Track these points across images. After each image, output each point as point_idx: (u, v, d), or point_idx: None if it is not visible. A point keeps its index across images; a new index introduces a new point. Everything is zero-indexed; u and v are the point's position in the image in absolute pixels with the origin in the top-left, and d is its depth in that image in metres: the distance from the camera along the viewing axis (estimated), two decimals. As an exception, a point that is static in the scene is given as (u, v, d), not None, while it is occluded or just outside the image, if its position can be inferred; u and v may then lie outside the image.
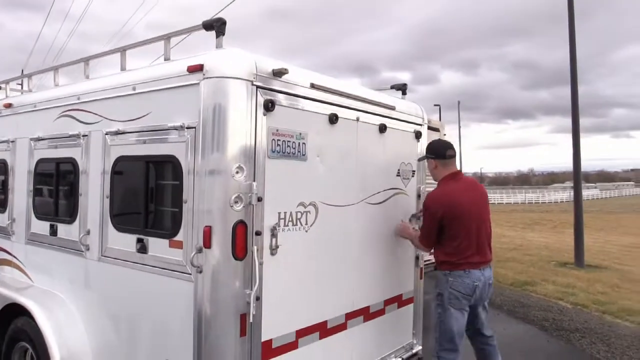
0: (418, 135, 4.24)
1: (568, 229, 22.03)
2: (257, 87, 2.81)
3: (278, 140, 2.90)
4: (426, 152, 4.02)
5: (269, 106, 2.78)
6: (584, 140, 12.74)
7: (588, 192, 64.03)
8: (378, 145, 3.82)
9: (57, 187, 3.94)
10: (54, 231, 3.87)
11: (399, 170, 4.05)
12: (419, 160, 4.20)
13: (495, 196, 62.78)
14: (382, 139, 3.83)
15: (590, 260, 12.45)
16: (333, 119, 3.28)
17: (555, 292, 9.06)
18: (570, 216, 13.12)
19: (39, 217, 4.06)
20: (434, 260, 4.09)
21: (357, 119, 3.56)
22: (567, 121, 12.71)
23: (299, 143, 3.05)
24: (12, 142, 4.41)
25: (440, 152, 3.92)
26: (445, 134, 9.71)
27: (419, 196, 4.32)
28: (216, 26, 2.91)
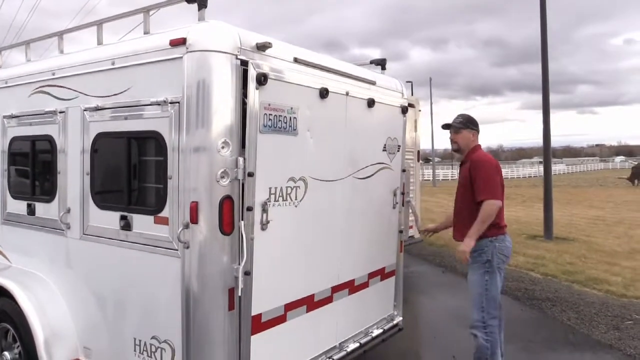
0: (404, 110, 4.25)
1: (537, 203, 22.60)
2: (242, 60, 2.78)
3: (270, 115, 2.88)
4: (469, 124, 4.18)
5: (262, 80, 2.75)
6: (551, 116, 12.97)
7: (555, 167, 65.60)
8: (366, 119, 3.82)
9: (33, 166, 3.85)
10: (31, 210, 3.80)
11: (385, 145, 4.08)
12: (458, 129, 4.19)
13: (466, 172, 63.63)
14: (370, 114, 3.84)
15: (558, 232, 12.83)
16: (324, 93, 3.27)
17: (526, 264, 9.33)
18: (539, 191, 13.48)
19: (15, 197, 3.98)
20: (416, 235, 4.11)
21: (347, 94, 3.55)
22: (534, 98, 13.08)
23: (290, 118, 3.04)
24: (-18, 120, 4.27)
25: (479, 128, 4.26)
26: (420, 110, 9.79)
27: (403, 171, 4.37)
28: (198, -1, 2.86)
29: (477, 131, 4.21)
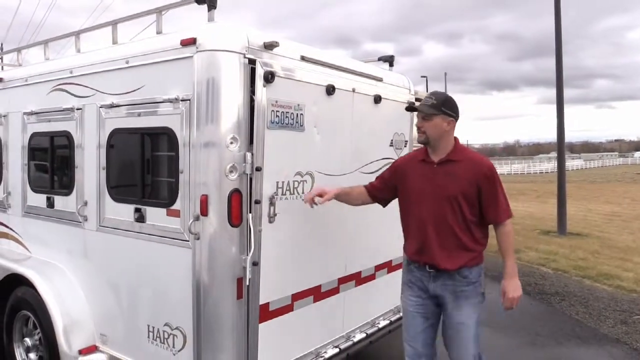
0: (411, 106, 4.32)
1: (552, 198, 22.42)
2: (250, 59, 2.89)
3: (277, 111, 2.99)
4: (444, 108, 3.08)
5: (269, 78, 2.86)
6: (567, 111, 12.96)
7: (572, 163, 64.90)
8: (372, 115, 3.91)
9: (52, 160, 4.01)
10: (50, 203, 3.96)
11: (392, 140, 4.16)
12: (429, 114, 3.07)
13: (481, 167, 63.18)
14: (376, 110, 3.92)
15: (572, 228, 12.78)
16: (330, 90, 3.37)
17: (537, 259, 9.35)
18: (555, 186, 13.39)
19: (35, 190, 4.14)
20: None
21: (353, 90, 3.65)
22: (551, 92, 12.90)
23: (297, 114, 3.15)
24: (4, 116, 4.44)
25: (459, 114, 3.19)
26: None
27: None
28: (208, 0, 2.97)
29: (455, 118, 3.12)
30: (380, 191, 3.37)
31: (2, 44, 29.60)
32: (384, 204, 3.44)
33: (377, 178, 3.44)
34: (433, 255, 3.07)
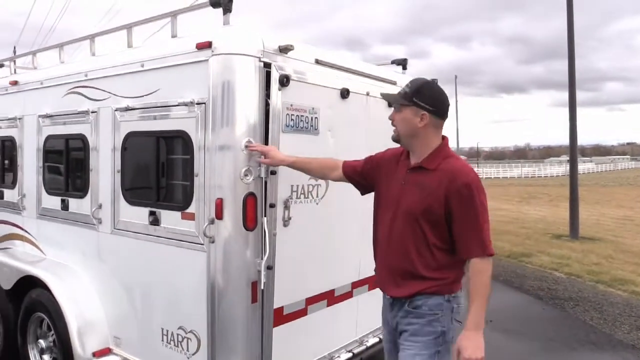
0: None
1: (563, 202, 22.22)
2: (265, 63, 2.89)
3: (292, 115, 2.99)
4: (418, 97, 2.48)
5: (284, 81, 2.86)
6: (578, 114, 12.79)
7: (583, 166, 64.39)
8: (386, 119, 3.85)
9: (67, 163, 4.03)
10: (65, 206, 3.98)
11: None
12: (399, 105, 2.58)
13: (491, 170, 63.06)
14: (389, 113, 3.88)
15: (585, 232, 12.67)
16: (344, 93, 3.37)
17: (550, 263, 9.27)
18: (566, 190, 13.31)
19: (49, 193, 4.16)
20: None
21: (367, 94, 3.64)
22: (561, 95, 12.95)
23: (312, 118, 3.15)
24: (19, 119, 4.48)
25: (442, 107, 2.54)
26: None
27: None
28: (223, 3, 2.97)
29: (434, 113, 2.47)
30: (356, 174, 2.86)
31: (15, 47, 29.93)
32: (361, 190, 2.93)
33: (360, 160, 2.89)
34: (380, 278, 2.67)
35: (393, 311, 2.59)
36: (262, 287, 2.88)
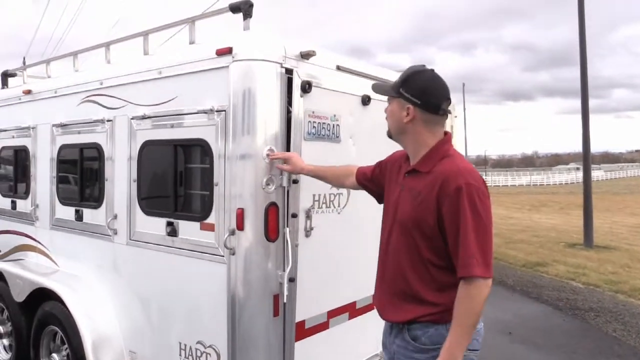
0: None
1: (574, 210, 22.03)
2: (287, 69, 2.81)
3: (314, 122, 2.91)
4: (407, 89, 2.19)
5: (306, 88, 2.79)
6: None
7: (593, 174, 63.84)
8: None
9: (81, 173, 3.96)
10: (79, 216, 3.90)
11: None
12: (375, 92, 2.51)
13: (499, 178, 62.74)
14: None
15: (599, 241, 12.49)
16: (366, 100, 3.28)
17: (566, 273, 9.11)
18: (577, 198, 13.17)
19: (63, 203, 4.09)
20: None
21: (389, 100, 3.54)
22: (568, 103, 12.90)
23: (334, 125, 3.06)
24: (32, 128, 4.42)
25: (431, 99, 2.17)
26: (456, 116, 9.71)
27: None
28: (244, 8, 2.91)
29: (424, 107, 2.16)
30: (367, 180, 2.65)
31: (24, 58, 30.15)
32: (376, 198, 2.67)
33: (372, 165, 2.68)
34: (376, 297, 2.36)
35: (391, 336, 2.27)
36: (285, 300, 2.78)
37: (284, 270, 2.77)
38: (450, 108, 4.59)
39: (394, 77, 3.76)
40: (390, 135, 2.38)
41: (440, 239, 2.07)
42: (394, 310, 2.21)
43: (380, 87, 2.43)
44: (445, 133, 2.25)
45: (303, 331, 2.97)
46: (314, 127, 2.93)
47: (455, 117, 9.29)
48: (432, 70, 2.26)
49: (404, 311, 2.15)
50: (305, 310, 2.97)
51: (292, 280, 2.78)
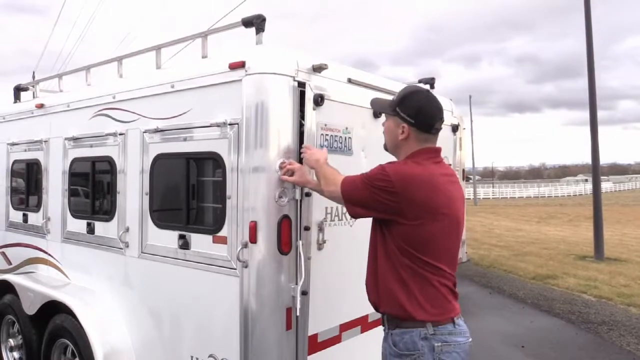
0: (455, 128, 4.19)
1: (584, 222, 21.88)
2: (299, 82, 2.82)
3: (326, 135, 2.92)
4: (401, 107, 2.37)
5: (319, 101, 2.80)
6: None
7: (602, 185, 63.55)
8: None
9: (93, 186, 3.98)
10: (91, 229, 3.92)
11: None
12: (373, 107, 2.75)
13: (507, 190, 62.48)
14: None
15: (609, 253, 12.37)
16: (377, 113, 3.29)
17: (577, 285, 9.01)
18: (586, 209, 13.12)
19: (75, 216, 4.11)
20: None
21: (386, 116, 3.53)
22: (574, 114, 12.81)
23: (346, 137, 3.07)
24: (45, 141, 4.46)
25: (425, 119, 2.34)
26: (464, 128, 9.72)
27: None
28: (256, 23, 2.94)
29: (418, 126, 2.33)
30: None
31: (34, 72, 30.50)
32: None
33: None
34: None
35: (384, 342, 2.39)
36: (298, 314, 2.77)
37: (296, 284, 2.76)
38: (458, 120, 4.65)
39: (400, 88, 3.77)
40: (386, 149, 2.56)
41: (395, 225, 2.27)
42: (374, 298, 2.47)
43: (378, 103, 2.59)
44: (434, 149, 2.41)
45: (316, 345, 2.95)
46: (326, 139, 2.94)
47: (464, 129, 9.29)
48: (428, 91, 2.47)
49: (383, 303, 2.40)
50: (318, 323, 2.95)
51: (305, 293, 2.77)
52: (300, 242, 2.77)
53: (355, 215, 2.49)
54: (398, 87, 3.64)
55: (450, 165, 4.19)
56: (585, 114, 12.64)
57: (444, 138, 4.02)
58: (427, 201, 2.22)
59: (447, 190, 2.31)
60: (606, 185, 67.36)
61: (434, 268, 2.26)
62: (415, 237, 2.23)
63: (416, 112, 2.32)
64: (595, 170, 12.98)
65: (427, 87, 4.46)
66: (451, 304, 2.30)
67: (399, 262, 2.26)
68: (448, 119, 4.19)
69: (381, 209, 2.27)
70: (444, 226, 2.26)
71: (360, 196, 2.32)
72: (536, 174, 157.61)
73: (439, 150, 2.43)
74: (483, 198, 52.26)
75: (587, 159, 13.00)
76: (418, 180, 2.24)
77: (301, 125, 2.83)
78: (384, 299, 2.34)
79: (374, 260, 2.39)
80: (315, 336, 2.94)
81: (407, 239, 2.24)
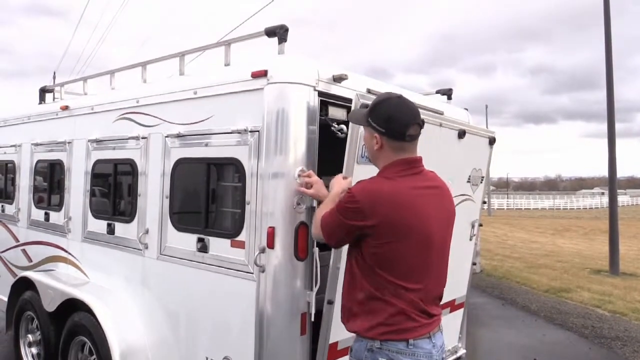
0: (492, 140, 4.05)
1: (599, 235, 21.62)
2: (320, 92, 2.88)
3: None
4: (371, 117, 2.29)
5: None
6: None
7: (619, 199, 62.69)
8: (455, 150, 3.63)
9: (114, 187, 4.07)
10: (111, 230, 4.00)
11: (469, 176, 3.93)
12: (350, 121, 2.58)
13: (522, 201, 61.94)
14: (459, 145, 3.62)
15: (625, 268, 12.24)
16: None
17: (591, 300, 8.93)
18: (601, 223, 12.99)
19: (96, 216, 4.20)
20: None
21: (440, 125, 3.38)
22: (590, 126, 12.67)
23: None
24: (68, 143, 4.57)
25: (395, 127, 2.25)
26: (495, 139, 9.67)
27: (484, 202, 4.24)
28: (279, 33, 3.00)
29: (389, 135, 2.25)
30: None
31: (54, 73, 31.02)
32: None
33: None
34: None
35: None
36: (312, 319, 2.81)
37: (311, 290, 2.81)
38: (491, 136, 4.10)
39: (420, 99, 3.80)
40: (375, 163, 2.44)
41: (362, 242, 2.24)
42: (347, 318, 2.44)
43: (354, 115, 2.48)
44: (408, 160, 2.29)
45: (335, 352, 2.97)
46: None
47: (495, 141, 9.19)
48: (399, 97, 2.32)
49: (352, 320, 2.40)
50: (338, 331, 2.97)
51: (331, 302, 2.73)
52: (316, 249, 2.82)
53: (337, 246, 2.50)
54: (415, 98, 3.67)
55: (482, 177, 4.08)
56: (603, 126, 12.55)
57: (480, 151, 3.97)
58: (391, 219, 2.15)
59: (416, 206, 2.21)
60: (623, 199, 66.40)
61: (397, 287, 2.19)
62: (380, 256, 2.19)
63: (385, 120, 2.24)
64: (612, 183, 12.86)
65: (445, 97, 4.48)
66: (416, 322, 2.23)
67: (364, 277, 2.24)
68: (484, 132, 4.01)
69: (355, 229, 2.22)
70: (412, 244, 2.19)
71: (337, 229, 2.30)
72: (552, 186, 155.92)
73: (415, 160, 2.32)
74: (497, 208, 51.87)
75: (604, 172, 12.88)
76: (384, 197, 2.18)
77: (335, 134, 2.87)
78: (346, 308, 2.38)
79: (345, 273, 2.41)
80: (335, 344, 2.95)
81: (372, 256, 2.21)
